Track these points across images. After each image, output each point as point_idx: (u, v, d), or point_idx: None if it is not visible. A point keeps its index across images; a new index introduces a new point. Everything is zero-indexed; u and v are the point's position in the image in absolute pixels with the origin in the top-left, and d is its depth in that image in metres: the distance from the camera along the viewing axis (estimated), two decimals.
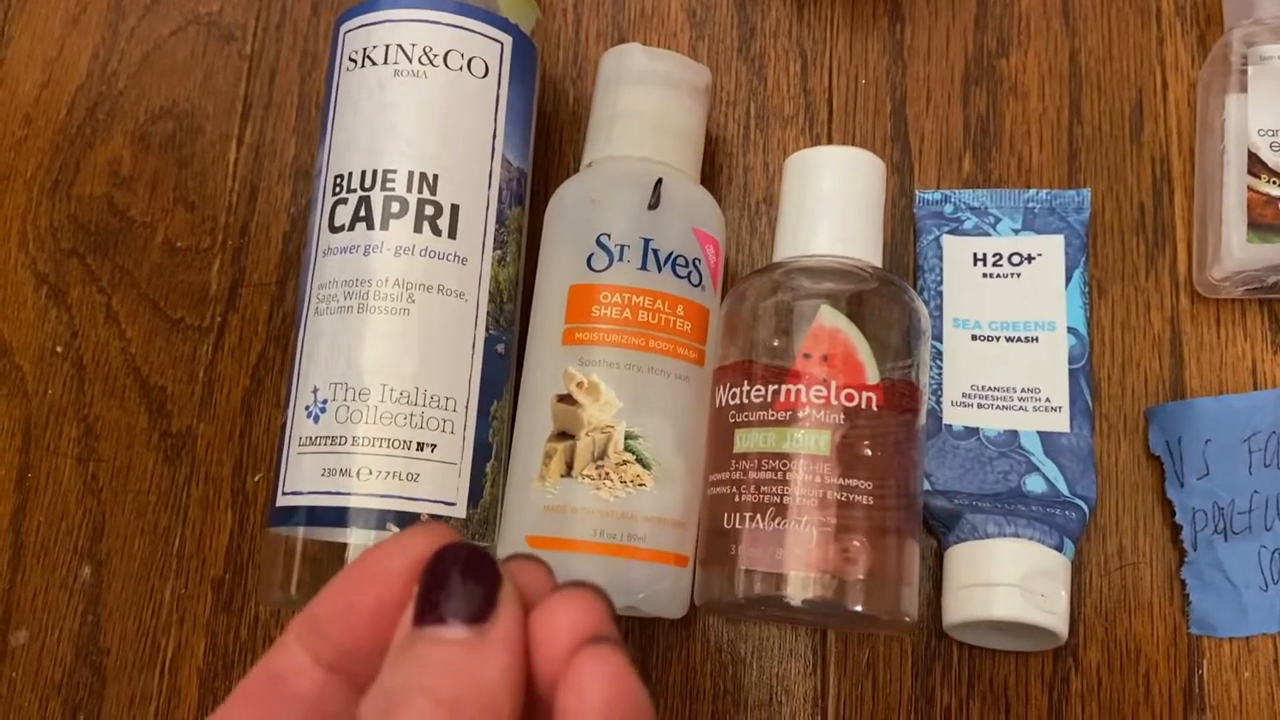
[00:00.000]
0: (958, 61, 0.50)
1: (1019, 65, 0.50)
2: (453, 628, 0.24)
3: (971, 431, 0.44)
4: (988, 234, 0.46)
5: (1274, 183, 0.43)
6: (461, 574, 0.24)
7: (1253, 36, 0.45)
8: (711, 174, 0.49)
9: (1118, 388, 0.46)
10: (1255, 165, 0.43)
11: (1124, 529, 0.44)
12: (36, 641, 0.47)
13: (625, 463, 0.40)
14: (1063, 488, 0.42)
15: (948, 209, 0.47)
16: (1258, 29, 0.45)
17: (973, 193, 0.47)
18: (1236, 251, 0.43)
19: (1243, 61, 0.45)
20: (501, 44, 0.43)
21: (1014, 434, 0.43)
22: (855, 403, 0.39)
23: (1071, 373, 0.44)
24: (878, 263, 0.42)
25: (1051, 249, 0.45)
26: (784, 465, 0.39)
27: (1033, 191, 0.47)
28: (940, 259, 0.46)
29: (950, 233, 0.46)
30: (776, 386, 0.39)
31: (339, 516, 0.39)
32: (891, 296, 0.41)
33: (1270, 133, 0.43)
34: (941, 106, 0.49)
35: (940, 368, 0.45)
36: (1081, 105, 0.49)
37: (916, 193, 0.48)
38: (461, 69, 0.42)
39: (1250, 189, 0.43)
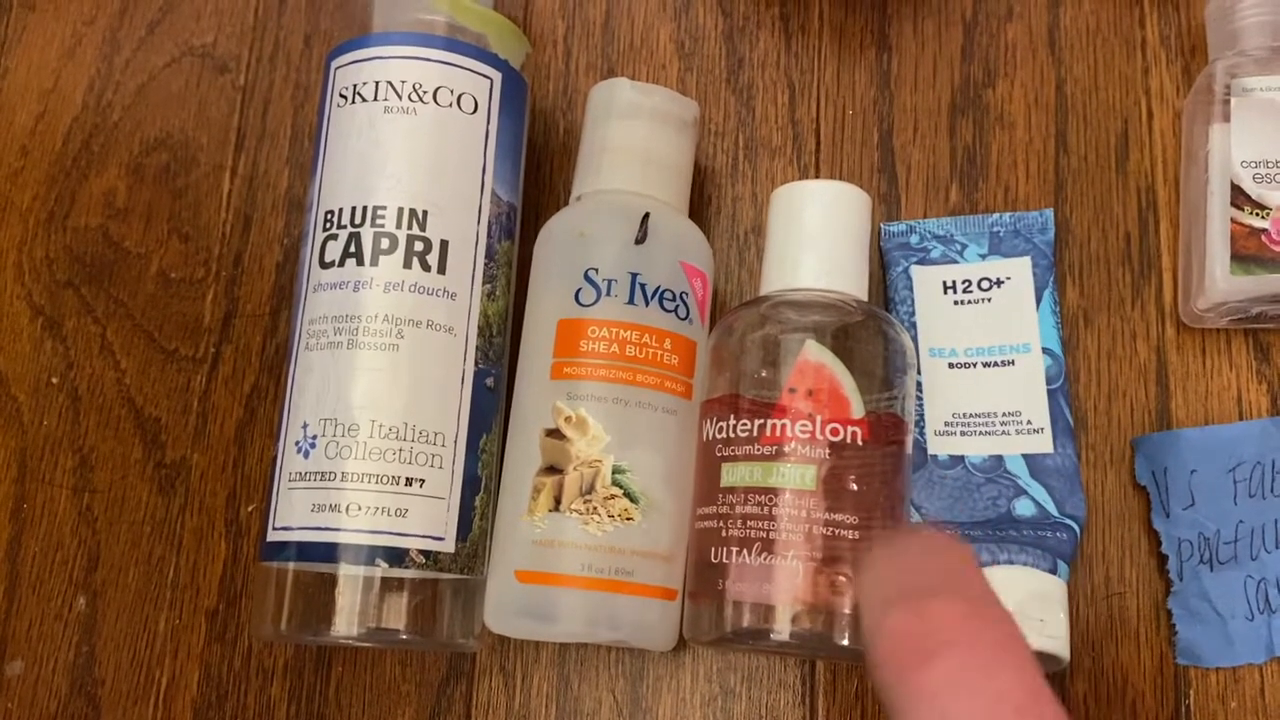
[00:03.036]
0: (944, 92, 0.50)
1: (1005, 95, 0.50)
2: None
3: (957, 460, 0.44)
4: (955, 261, 0.47)
5: (1257, 214, 0.43)
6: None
7: (1236, 68, 0.45)
8: (700, 205, 0.50)
9: (1104, 417, 0.46)
10: (1238, 197, 0.44)
11: (1110, 559, 0.45)
12: (31, 672, 0.47)
13: (613, 497, 0.40)
14: (1052, 509, 0.43)
15: (914, 239, 0.47)
16: (1241, 60, 0.45)
17: (937, 221, 0.48)
18: (1220, 283, 0.44)
19: (1226, 92, 0.45)
20: (491, 80, 0.44)
21: (999, 459, 0.44)
22: (840, 437, 0.39)
23: (1050, 393, 0.44)
24: (863, 296, 0.43)
25: (1019, 271, 0.46)
26: (770, 499, 0.39)
27: (996, 215, 0.47)
28: (910, 290, 0.47)
29: (918, 263, 0.47)
30: (762, 421, 0.40)
31: (329, 552, 0.40)
32: (876, 329, 0.42)
33: (1253, 164, 0.44)
34: (928, 137, 0.50)
35: (920, 399, 0.45)
36: (1068, 135, 0.49)
37: (880, 225, 0.48)
38: (451, 105, 0.43)
39: (1233, 220, 0.44)
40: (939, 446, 0.44)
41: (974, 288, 0.46)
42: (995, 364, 0.45)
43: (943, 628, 0.26)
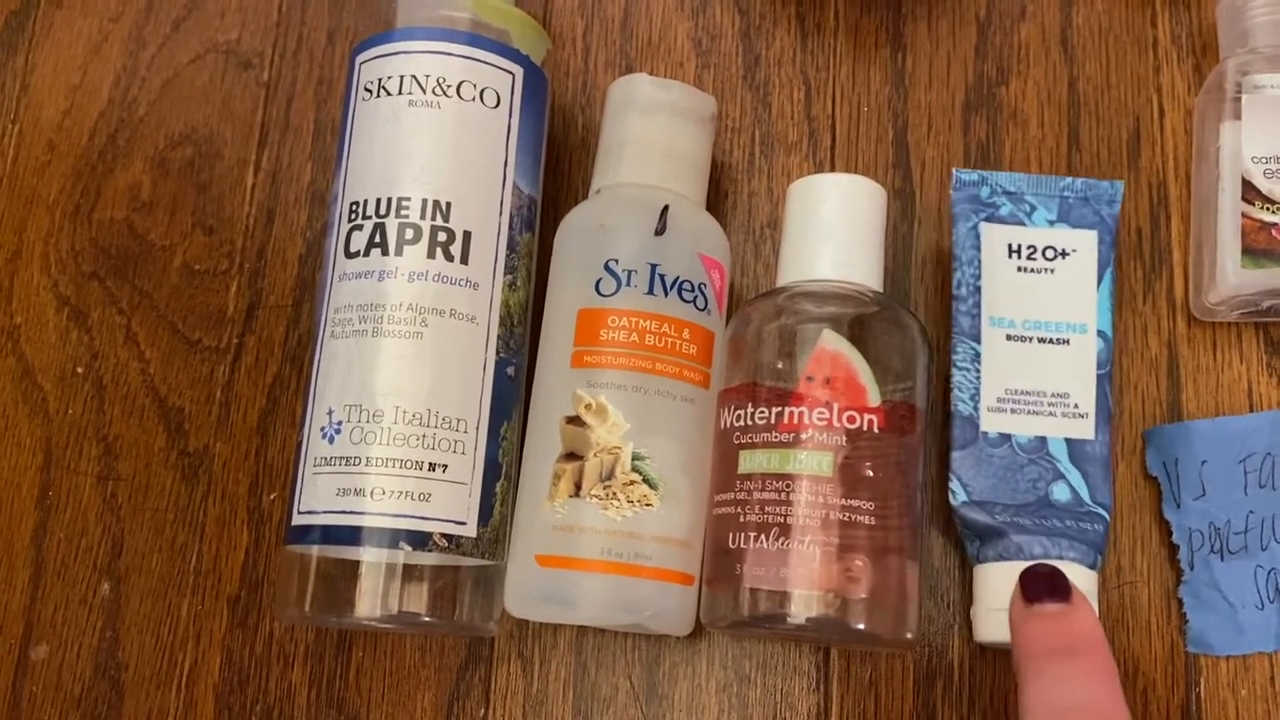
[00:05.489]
0: (958, 89, 0.51)
1: (1018, 93, 0.51)
2: (1049, 604, 0.37)
3: (1005, 438, 0.43)
4: (1023, 223, 0.46)
5: (1268, 209, 0.44)
6: (1045, 577, 0.37)
7: (1247, 65, 0.46)
8: (717, 199, 0.50)
9: (1116, 409, 0.47)
10: (1249, 192, 0.44)
11: (1122, 548, 0.45)
12: (56, 656, 0.48)
13: (632, 483, 0.41)
14: (1085, 496, 0.43)
15: (984, 192, 0.46)
16: (1252, 58, 0.46)
17: (1009, 175, 0.47)
18: (1231, 277, 0.44)
19: (1237, 90, 0.45)
20: (513, 74, 0.44)
21: (1043, 440, 0.43)
22: (857, 424, 0.40)
23: (1098, 378, 0.44)
24: (879, 287, 0.43)
25: (1085, 245, 0.45)
26: (787, 486, 0.40)
27: (1068, 179, 0.46)
28: (978, 249, 0.45)
29: (987, 219, 0.46)
30: (780, 409, 0.40)
31: (353, 535, 0.40)
32: (892, 320, 0.42)
33: (1264, 160, 0.44)
34: (942, 133, 0.50)
35: (979, 371, 0.44)
36: (1080, 132, 0.50)
37: (954, 171, 0.47)
38: (474, 99, 0.43)
39: (1244, 215, 0.44)
40: (991, 423, 0.44)
41: (1039, 255, 0.45)
42: (1051, 341, 0.44)
43: (1080, 634, 0.36)
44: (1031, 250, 0.45)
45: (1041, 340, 0.44)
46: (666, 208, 0.44)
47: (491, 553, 0.42)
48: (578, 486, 0.41)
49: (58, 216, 0.53)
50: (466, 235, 0.42)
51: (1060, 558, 0.41)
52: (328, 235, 0.44)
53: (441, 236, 0.42)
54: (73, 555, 0.49)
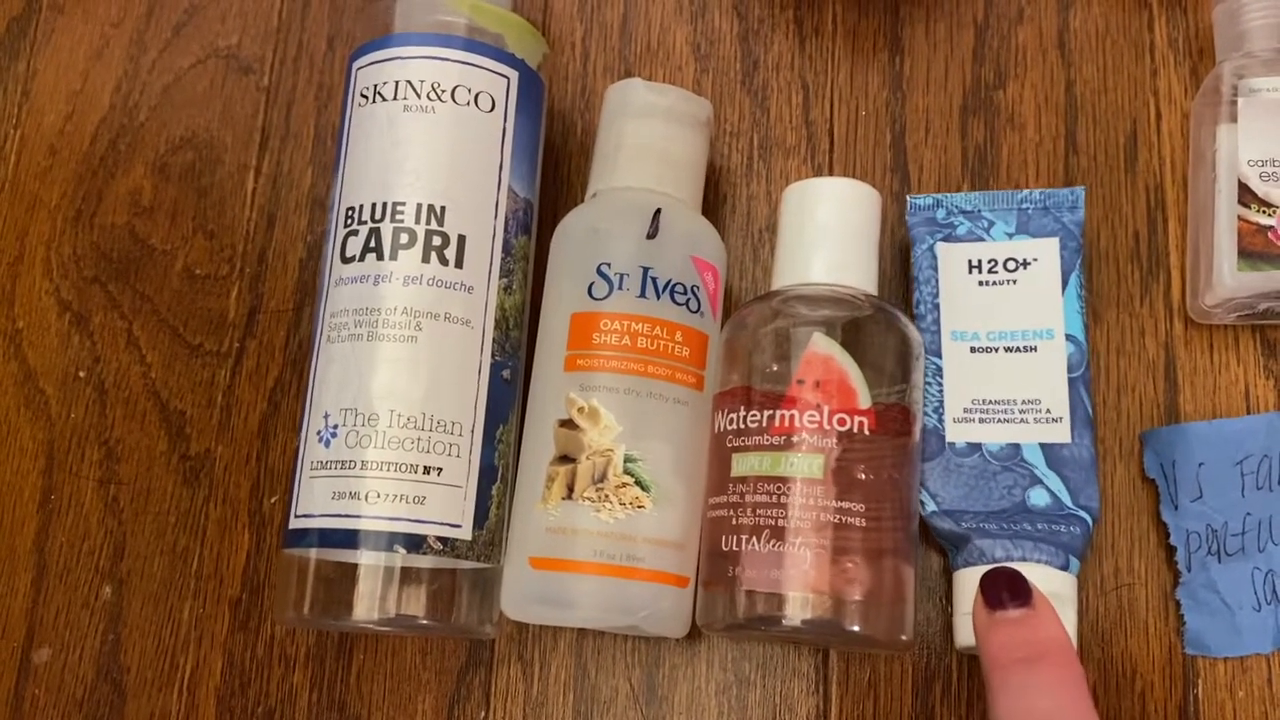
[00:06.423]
0: (956, 93, 0.51)
1: (1016, 97, 0.51)
2: (1011, 610, 0.36)
3: (974, 448, 0.44)
4: (981, 239, 0.46)
5: (1264, 212, 0.44)
6: (1004, 580, 0.37)
7: (1243, 69, 0.46)
8: (716, 203, 0.50)
9: (1113, 412, 0.47)
10: (1245, 195, 0.44)
11: (1120, 550, 0.45)
12: (59, 659, 0.48)
13: (624, 485, 0.41)
14: (1066, 500, 0.43)
15: (940, 214, 0.47)
16: (1248, 61, 0.46)
17: (965, 195, 0.47)
18: (1228, 279, 0.44)
19: (1233, 93, 0.45)
20: (508, 79, 0.45)
21: (1016, 447, 0.44)
22: (848, 427, 0.40)
23: (1071, 381, 0.44)
24: (873, 290, 0.43)
25: (1047, 253, 0.45)
26: (780, 488, 0.40)
27: (1025, 192, 0.46)
28: (935, 269, 0.46)
29: (944, 240, 0.46)
30: (772, 411, 0.41)
31: (349, 539, 0.41)
32: (885, 323, 0.42)
33: (1260, 163, 0.44)
34: (940, 137, 0.51)
35: (941, 384, 0.45)
36: (1077, 135, 0.50)
37: (908, 198, 0.48)
38: (469, 104, 0.44)
39: (1241, 218, 0.44)
40: (957, 434, 0.44)
41: (999, 268, 0.45)
42: (1017, 349, 0.44)
43: (1046, 642, 0.36)
44: (992, 264, 0.46)
45: (1008, 350, 0.45)
46: (659, 211, 0.44)
47: (487, 555, 0.42)
48: (570, 489, 0.41)
49: (59, 221, 0.53)
50: (461, 239, 0.43)
51: (1024, 559, 0.41)
52: (325, 240, 0.45)
53: (436, 240, 0.42)
54: (75, 559, 0.49)
